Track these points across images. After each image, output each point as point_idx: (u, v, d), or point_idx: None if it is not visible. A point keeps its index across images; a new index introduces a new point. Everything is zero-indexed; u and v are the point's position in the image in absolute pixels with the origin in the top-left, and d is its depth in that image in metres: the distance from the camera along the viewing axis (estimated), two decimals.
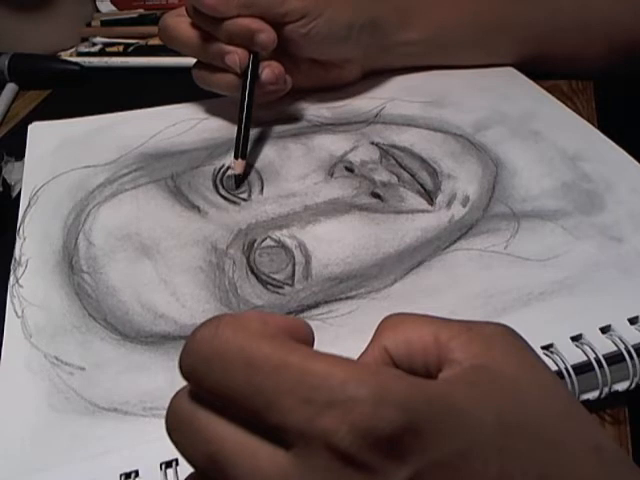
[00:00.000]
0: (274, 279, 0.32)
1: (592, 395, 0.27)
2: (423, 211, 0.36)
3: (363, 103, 0.48)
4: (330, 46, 0.45)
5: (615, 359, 0.27)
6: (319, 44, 0.44)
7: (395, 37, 0.48)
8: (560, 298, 0.30)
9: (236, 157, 0.40)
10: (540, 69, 0.50)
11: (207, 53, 0.42)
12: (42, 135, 0.46)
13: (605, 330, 0.28)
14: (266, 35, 0.40)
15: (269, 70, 0.42)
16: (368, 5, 0.46)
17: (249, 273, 0.33)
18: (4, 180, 0.42)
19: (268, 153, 0.42)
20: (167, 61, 0.59)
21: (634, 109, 0.52)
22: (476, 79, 0.50)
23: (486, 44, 0.50)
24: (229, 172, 0.41)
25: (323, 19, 0.42)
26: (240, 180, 0.40)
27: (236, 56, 0.41)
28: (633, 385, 0.27)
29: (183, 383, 0.17)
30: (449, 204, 0.37)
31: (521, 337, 0.19)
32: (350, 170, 0.40)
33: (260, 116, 0.46)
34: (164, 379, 0.28)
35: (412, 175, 0.39)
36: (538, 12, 0.49)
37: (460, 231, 0.35)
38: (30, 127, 0.47)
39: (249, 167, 0.41)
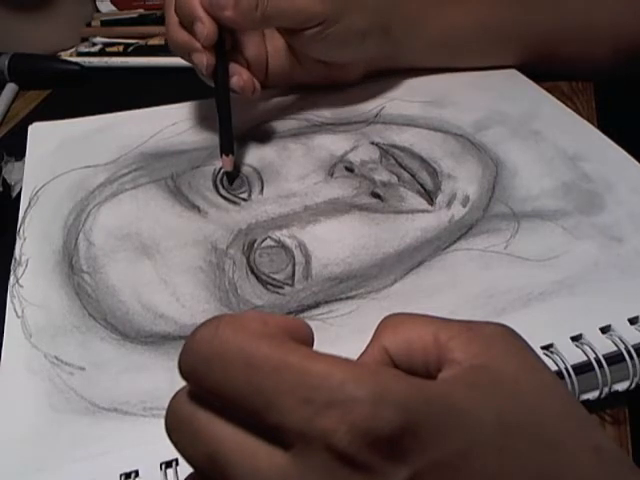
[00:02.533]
0: (274, 279, 0.32)
1: (592, 395, 0.27)
2: (423, 211, 0.36)
3: (363, 103, 0.48)
4: (341, 50, 0.44)
5: (615, 359, 0.27)
6: (331, 48, 0.44)
7: (402, 45, 0.48)
8: (560, 298, 0.30)
9: (221, 154, 0.40)
10: (544, 71, 0.50)
11: (182, 50, 0.40)
12: (42, 135, 0.46)
13: (605, 330, 0.28)
14: (201, 27, 0.37)
15: (237, 78, 0.40)
16: (382, 13, 0.45)
17: (249, 273, 0.33)
18: (4, 180, 0.42)
19: (268, 153, 0.42)
20: (167, 61, 0.59)
21: (634, 109, 0.52)
22: (476, 79, 0.50)
23: (491, 50, 0.50)
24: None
25: (340, 25, 0.42)
26: (234, 177, 0.40)
27: (203, 57, 0.38)
28: (633, 385, 0.27)
29: (183, 383, 0.17)
30: (449, 204, 0.37)
31: (521, 337, 0.19)
32: (350, 170, 0.40)
33: (260, 116, 0.46)
34: (164, 379, 0.28)
35: (412, 175, 0.39)
36: (541, 15, 0.49)
37: (460, 231, 0.35)
38: (30, 127, 0.47)
39: (249, 167, 0.41)
